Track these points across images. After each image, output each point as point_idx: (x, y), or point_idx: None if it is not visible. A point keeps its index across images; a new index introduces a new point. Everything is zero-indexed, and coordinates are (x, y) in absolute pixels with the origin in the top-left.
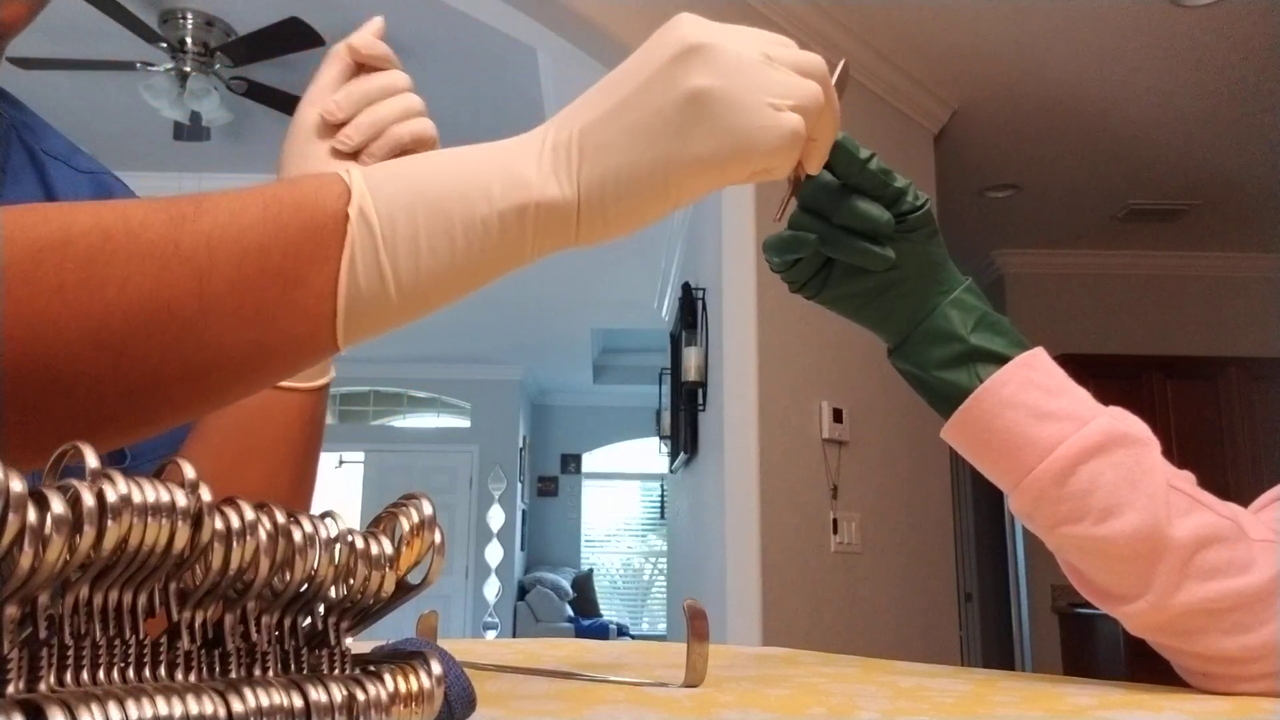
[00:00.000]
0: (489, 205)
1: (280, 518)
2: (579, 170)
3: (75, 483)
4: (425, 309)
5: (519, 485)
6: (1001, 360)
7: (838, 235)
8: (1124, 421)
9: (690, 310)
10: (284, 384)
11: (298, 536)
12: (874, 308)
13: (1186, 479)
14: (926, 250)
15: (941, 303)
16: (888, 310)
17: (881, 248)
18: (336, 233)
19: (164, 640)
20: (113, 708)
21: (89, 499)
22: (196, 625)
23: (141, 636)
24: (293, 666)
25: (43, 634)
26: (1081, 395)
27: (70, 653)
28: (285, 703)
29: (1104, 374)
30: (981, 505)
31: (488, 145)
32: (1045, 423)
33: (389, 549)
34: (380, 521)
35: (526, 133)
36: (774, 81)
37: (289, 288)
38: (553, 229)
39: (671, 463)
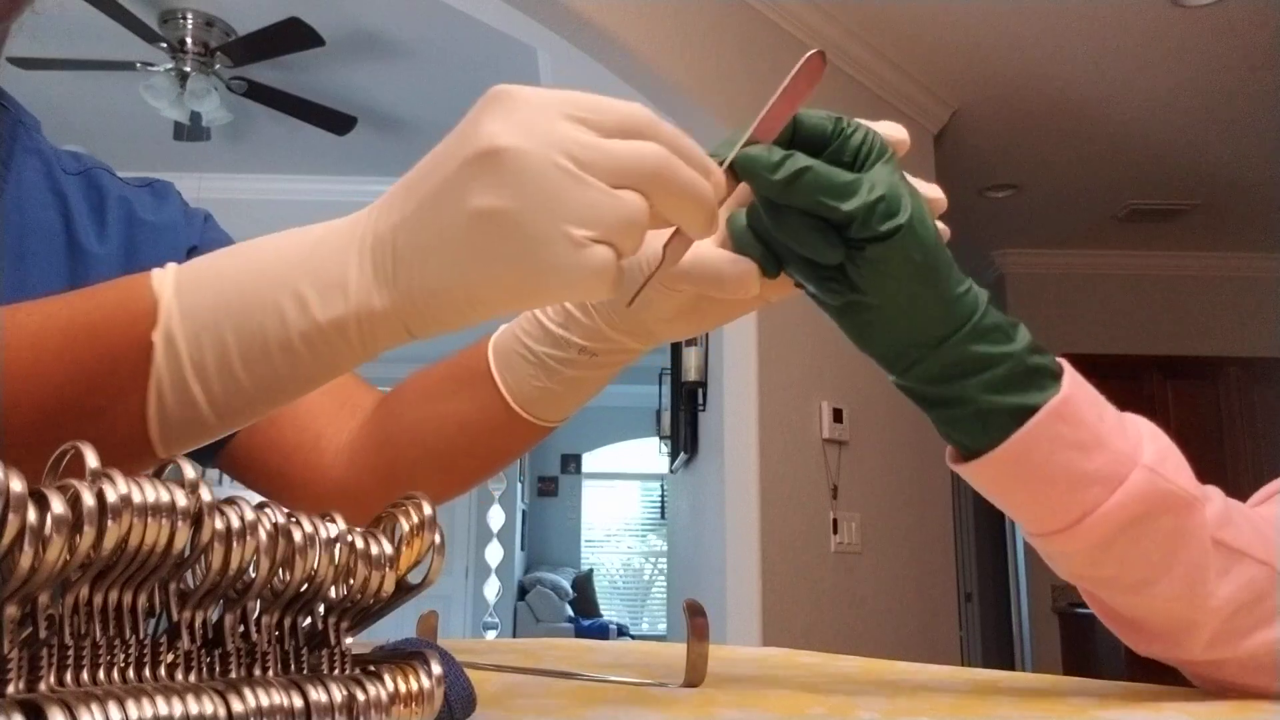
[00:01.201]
0: (305, 319)
1: (280, 518)
2: (396, 277)
3: (75, 483)
4: (255, 417)
5: (519, 485)
6: (1025, 412)
7: (783, 249)
8: (1162, 473)
9: None
10: (532, 417)
11: (298, 536)
12: (848, 325)
13: (1220, 515)
14: (903, 278)
15: (930, 358)
16: (865, 338)
17: (829, 282)
18: (140, 363)
19: (164, 640)
20: (113, 708)
21: (89, 499)
22: (196, 625)
23: (142, 636)
24: (293, 666)
25: (43, 634)
26: (1115, 441)
27: (70, 653)
28: (285, 703)
29: (1104, 374)
30: (981, 505)
31: (308, 234)
32: (1077, 489)
33: (389, 549)
34: (380, 521)
35: (350, 217)
36: (575, 204)
37: (93, 419)
38: (382, 335)
39: (671, 463)
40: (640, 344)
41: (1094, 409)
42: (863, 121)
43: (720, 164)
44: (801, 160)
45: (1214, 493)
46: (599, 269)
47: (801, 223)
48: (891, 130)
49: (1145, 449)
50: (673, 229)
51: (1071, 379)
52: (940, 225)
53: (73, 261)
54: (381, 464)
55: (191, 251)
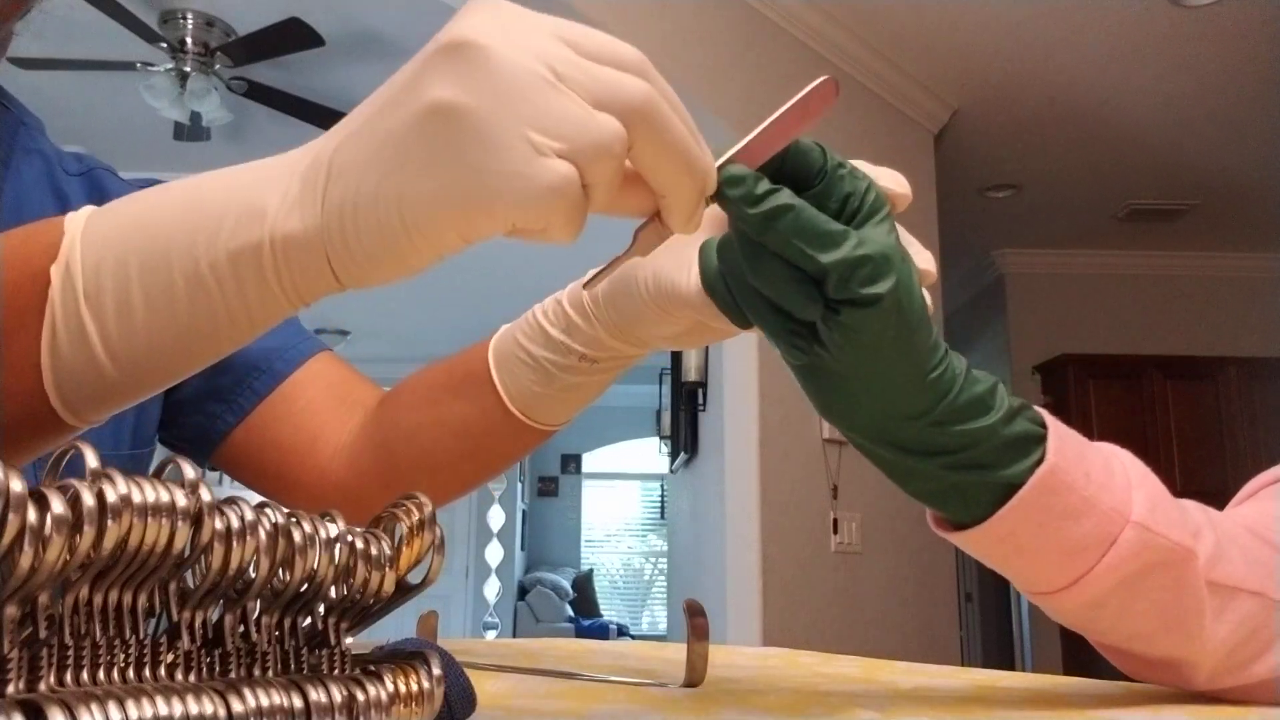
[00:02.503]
0: (215, 246)
1: (280, 518)
2: (325, 194)
3: (75, 482)
4: (160, 377)
5: (519, 485)
6: (1009, 488)
7: (750, 299)
8: (1153, 528)
9: None
10: (532, 421)
11: (298, 536)
12: (814, 390)
13: (1211, 556)
14: (879, 349)
15: (908, 430)
16: (830, 402)
17: (799, 341)
18: (36, 296)
19: (164, 640)
20: (113, 708)
21: (89, 499)
22: (196, 625)
23: (142, 636)
24: (293, 666)
25: (43, 634)
26: (1104, 500)
27: (70, 653)
28: (285, 703)
29: (1104, 374)
30: None
31: (250, 166)
32: (1069, 556)
33: (389, 549)
34: (380, 521)
35: (303, 146)
36: (548, 110)
37: None
38: (303, 269)
39: (671, 463)
40: (639, 351)
41: (1080, 466)
42: (861, 165)
43: None
44: (785, 198)
45: (1201, 522)
46: (556, 185)
47: (779, 268)
48: (892, 182)
49: (1135, 501)
50: (647, 216)
51: (1055, 441)
52: (926, 297)
53: None
54: (380, 468)
55: None
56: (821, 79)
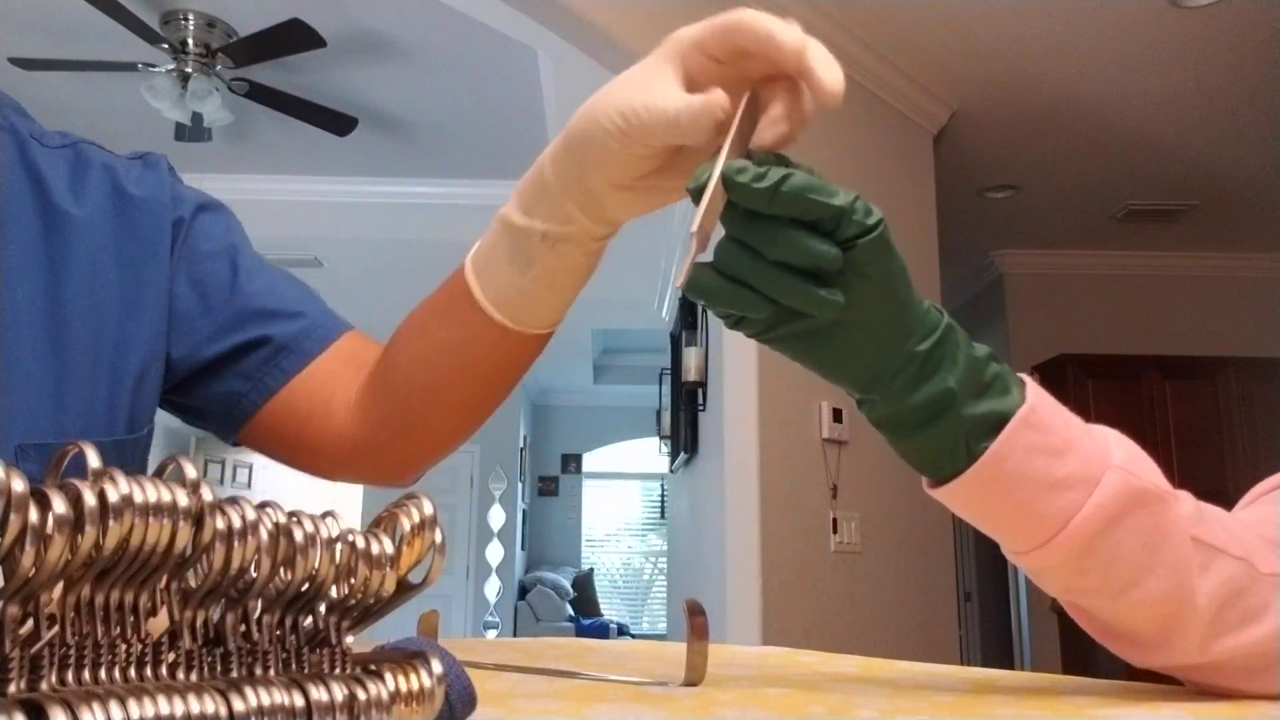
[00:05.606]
0: None
1: (281, 517)
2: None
3: (77, 482)
4: None
5: (519, 485)
6: (999, 421)
7: (773, 275)
8: (1135, 472)
9: (690, 310)
10: (515, 324)
11: (299, 536)
12: (825, 353)
13: (1193, 514)
14: (885, 282)
15: (910, 361)
16: (841, 357)
17: (829, 289)
18: None
19: (165, 639)
20: (114, 707)
21: (90, 499)
22: (198, 624)
23: (143, 635)
24: (294, 666)
25: (44, 633)
26: (1085, 444)
27: (72, 652)
28: (286, 702)
29: (1103, 374)
30: None
31: None
32: (1055, 493)
33: (390, 548)
34: (381, 521)
35: None
36: None
37: None
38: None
39: (671, 463)
40: (602, 229)
41: (1060, 416)
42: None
43: (703, 184)
44: (783, 167)
45: (1184, 494)
46: None
47: (795, 231)
48: (827, 74)
49: (1114, 451)
50: (700, 213)
51: (1034, 387)
52: None
53: (46, 221)
54: (388, 413)
55: (177, 224)
56: (747, 94)
